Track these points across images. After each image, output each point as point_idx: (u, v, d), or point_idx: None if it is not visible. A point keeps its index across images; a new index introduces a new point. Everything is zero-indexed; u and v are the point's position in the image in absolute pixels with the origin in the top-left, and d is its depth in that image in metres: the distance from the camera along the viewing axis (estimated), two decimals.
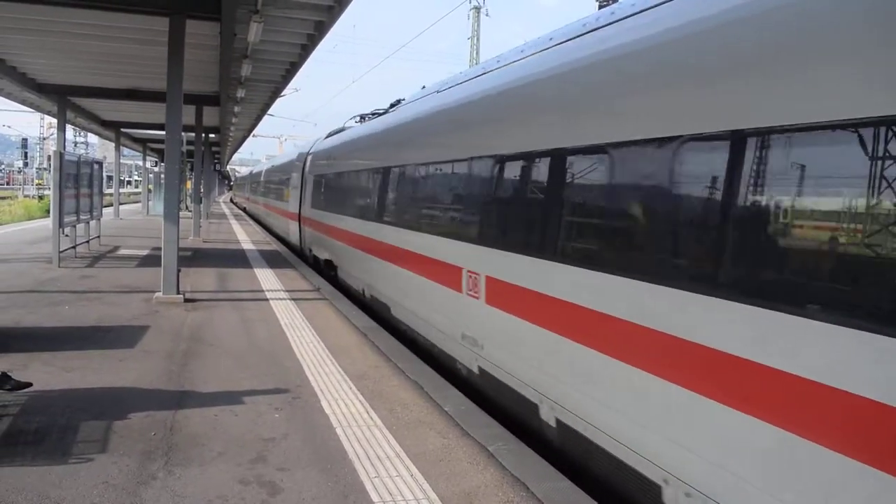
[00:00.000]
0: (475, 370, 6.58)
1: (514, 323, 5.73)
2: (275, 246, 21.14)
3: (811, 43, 3.28)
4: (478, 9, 56.08)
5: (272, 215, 27.55)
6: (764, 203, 3.48)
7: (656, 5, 4.69)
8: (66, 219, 14.18)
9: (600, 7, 6.55)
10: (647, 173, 4.29)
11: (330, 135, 17.08)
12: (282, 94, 20.38)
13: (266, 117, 29.46)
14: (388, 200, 10.11)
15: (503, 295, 5.97)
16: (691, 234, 4.03)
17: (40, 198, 46.67)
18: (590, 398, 4.71)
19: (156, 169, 45.13)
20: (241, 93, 18.00)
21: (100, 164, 18.82)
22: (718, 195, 3.70)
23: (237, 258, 17.29)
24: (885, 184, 2.92)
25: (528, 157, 5.85)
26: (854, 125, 3.00)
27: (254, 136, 47.70)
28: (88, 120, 27.58)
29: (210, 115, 23.12)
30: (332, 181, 14.94)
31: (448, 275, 7.17)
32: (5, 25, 12.20)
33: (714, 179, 3.76)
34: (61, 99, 19.92)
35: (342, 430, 5.35)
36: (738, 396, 3.44)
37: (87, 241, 16.91)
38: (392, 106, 12.03)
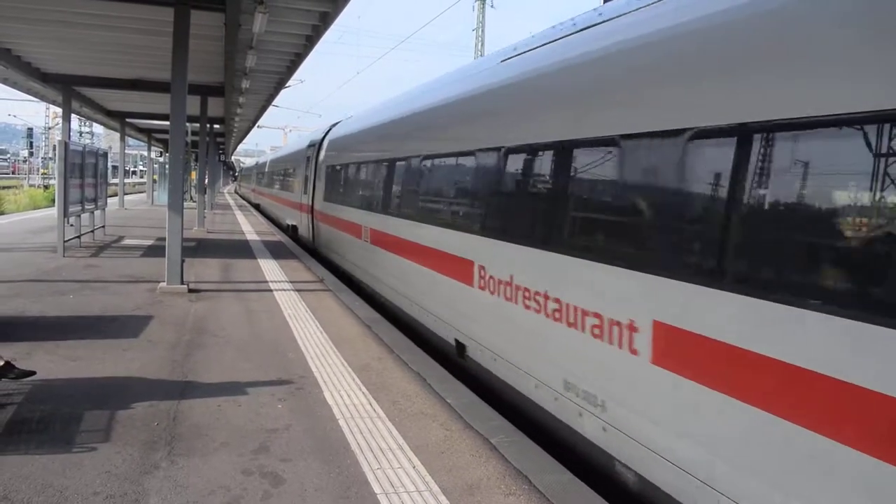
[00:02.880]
0: None
1: None
2: (279, 237, 21.13)
3: None
4: (483, 0, 55.78)
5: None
6: None
7: None
8: (71, 208, 14.19)
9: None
10: None
11: None
12: (286, 85, 20.31)
13: (270, 108, 29.38)
14: None
15: None
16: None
17: (45, 187, 46.83)
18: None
19: (160, 159, 45.19)
20: (245, 84, 17.94)
21: (105, 154, 18.83)
22: None
23: (241, 249, 17.29)
24: None
25: None
26: None
27: (258, 127, 47.55)
28: (93, 110, 27.58)
29: (215, 106, 23.09)
30: None
31: None
32: (10, 15, 12.19)
33: None
34: (66, 89, 19.93)
35: (345, 422, 5.36)
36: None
37: (92, 231, 16.93)
38: None
